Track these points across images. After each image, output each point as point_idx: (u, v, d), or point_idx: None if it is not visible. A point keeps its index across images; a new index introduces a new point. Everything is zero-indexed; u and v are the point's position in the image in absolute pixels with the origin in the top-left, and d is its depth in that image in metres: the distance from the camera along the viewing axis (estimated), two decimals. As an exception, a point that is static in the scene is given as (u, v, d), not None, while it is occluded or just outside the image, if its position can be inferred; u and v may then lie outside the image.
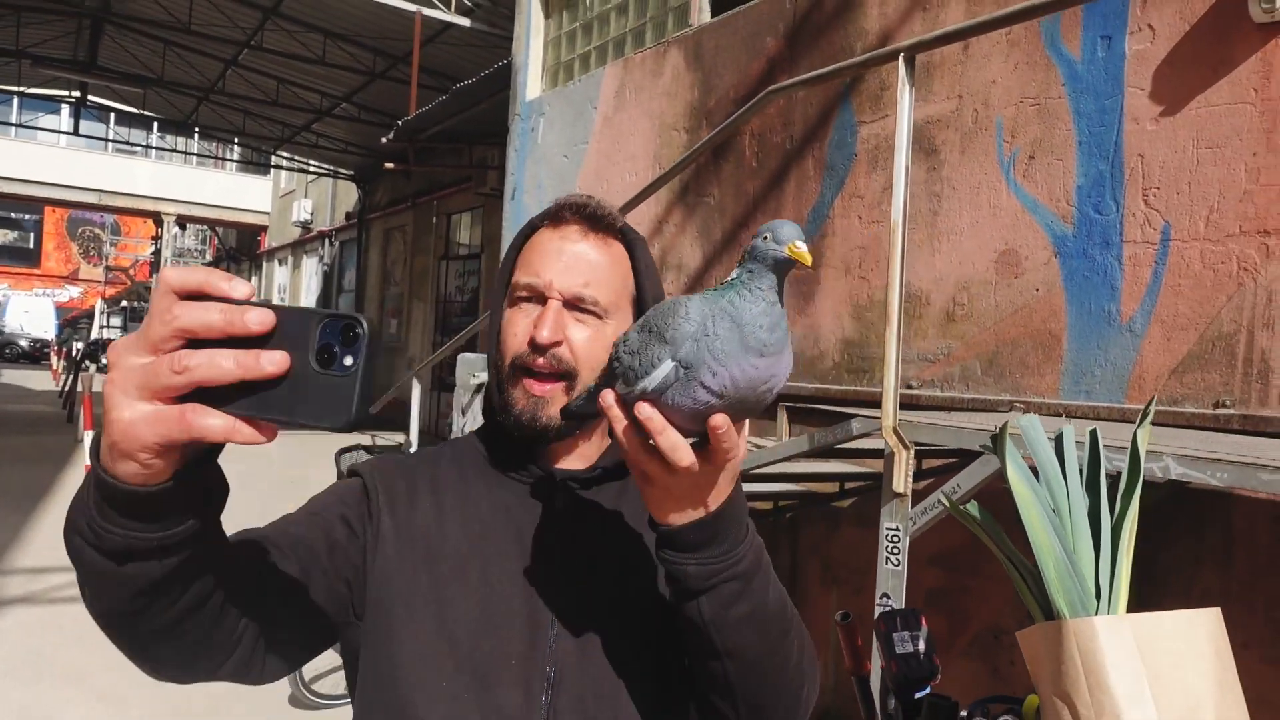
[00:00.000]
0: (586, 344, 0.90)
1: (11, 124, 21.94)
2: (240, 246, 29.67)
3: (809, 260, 0.67)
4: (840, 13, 3.74)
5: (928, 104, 3.33)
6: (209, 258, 32.14)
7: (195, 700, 3.83)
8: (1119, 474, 1.12)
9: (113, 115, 22.42)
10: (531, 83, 6.13)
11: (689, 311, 0.67)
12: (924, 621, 1.47)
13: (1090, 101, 2.81)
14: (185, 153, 25.26)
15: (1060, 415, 2.76)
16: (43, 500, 7.52)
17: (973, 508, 1.23)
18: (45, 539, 6.27)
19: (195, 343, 0.54)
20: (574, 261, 0.92)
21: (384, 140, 10.01)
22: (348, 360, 0.53)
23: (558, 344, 0.89)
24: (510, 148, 6.24)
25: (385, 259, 16.56)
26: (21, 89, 16.09)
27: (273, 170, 22.94)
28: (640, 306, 0.97)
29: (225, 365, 0.53)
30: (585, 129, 5.40)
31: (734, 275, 0.69)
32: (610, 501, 0.95)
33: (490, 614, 0.87)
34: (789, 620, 0.85)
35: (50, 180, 23.57)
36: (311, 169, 18.57)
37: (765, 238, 0.68)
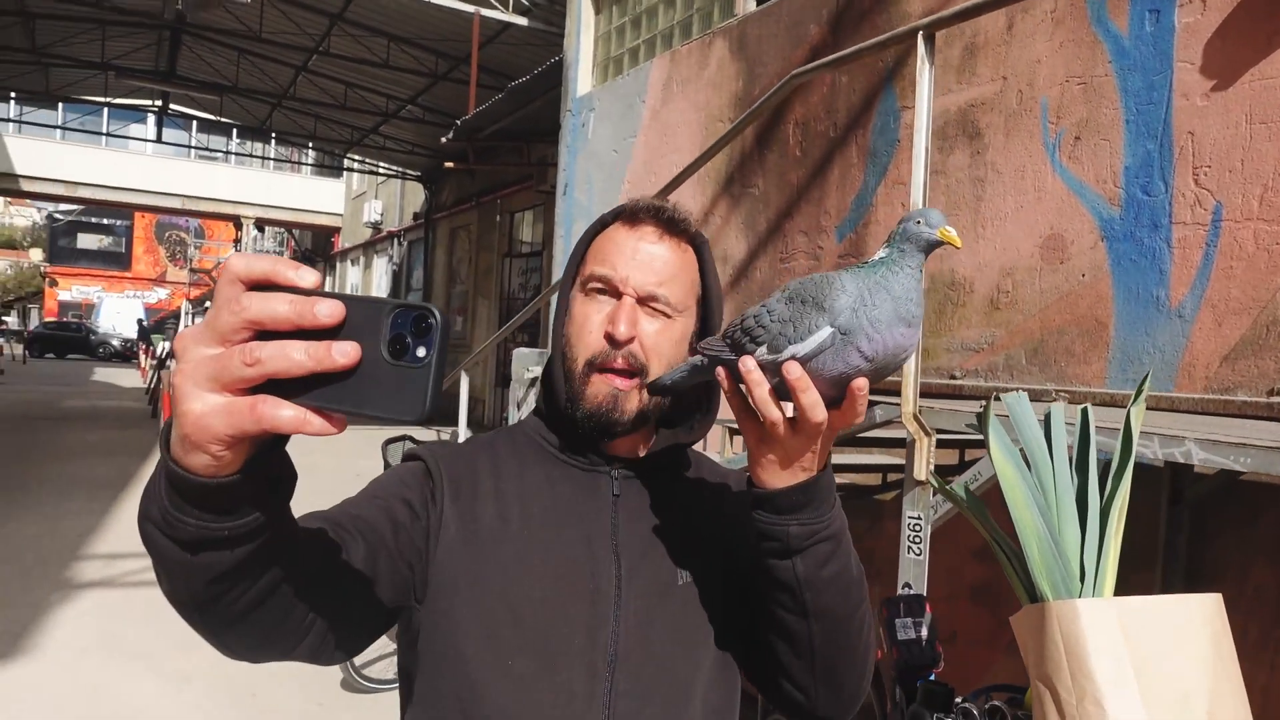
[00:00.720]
0: (656, 339, 0.93)
1: (102, 133, 23.02)
2: (315, 248, 30.56)
3: (959, 243, 0.77)
4: (883, -3, 3.67)
5: (971, 87, 3.24)
6: (286, 258, 33.14)
7: (254, 680, 3.97)
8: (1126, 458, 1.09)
9: (194, 123, 23.32)
10: (582, 78, 6.17)
11: (845, 284, 0.74)
12: (928, 608, 1.44)
13: (1138, 78, 2.71)
14: (262, 158, 26.12)
15: (1108, 404, 2.67)
16: (122, 490, 7.88)
17: (959, 488, 1.20)
18: (122, 527, 6.57)
19: (264, 333, 0.53)
20: (649, 260, 0.94)
21: (443, 140, 10.19)
22: (421, 351, 0.51)
23: (632, 339, 0.92)
24: (562, 144, 6.29)
25: (451, 257, 16.86)
26: (109, 99, 16.85)
27: (344, 173, 23.57)
28: (705, 307, 1.00)
29: (297, 357, 0.51)
30: (634, 123, 5.42)
31: (884, 253, 0.76)
32: (664, 488, 0.98)
33: (553, 596, 0.89)
34: (864, 587, 0.90)
35: (138, 187, 24.63)
36: (380, 171, 19.03)
37: (918, 222, 0.76)
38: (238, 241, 28.90)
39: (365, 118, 15.06)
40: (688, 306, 0.97)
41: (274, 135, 19.94)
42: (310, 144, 19.30)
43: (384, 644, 4.24)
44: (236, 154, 25.64)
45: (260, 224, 28.25)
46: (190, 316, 32.79)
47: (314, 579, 0.75)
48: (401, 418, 0.51)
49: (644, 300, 0.94)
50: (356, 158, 18.87)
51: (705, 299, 1.01)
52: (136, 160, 24.84)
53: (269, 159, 26.56)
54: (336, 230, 26.55)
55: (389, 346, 0.51)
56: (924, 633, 1.39)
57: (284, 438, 0.60)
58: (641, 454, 1.00)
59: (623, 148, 5.53)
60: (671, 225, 0.97)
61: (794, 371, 0.73)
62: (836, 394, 0.76)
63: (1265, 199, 2.39)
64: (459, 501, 0.93)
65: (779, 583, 0.84)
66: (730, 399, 0.82)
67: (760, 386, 0.75)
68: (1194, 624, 1.04)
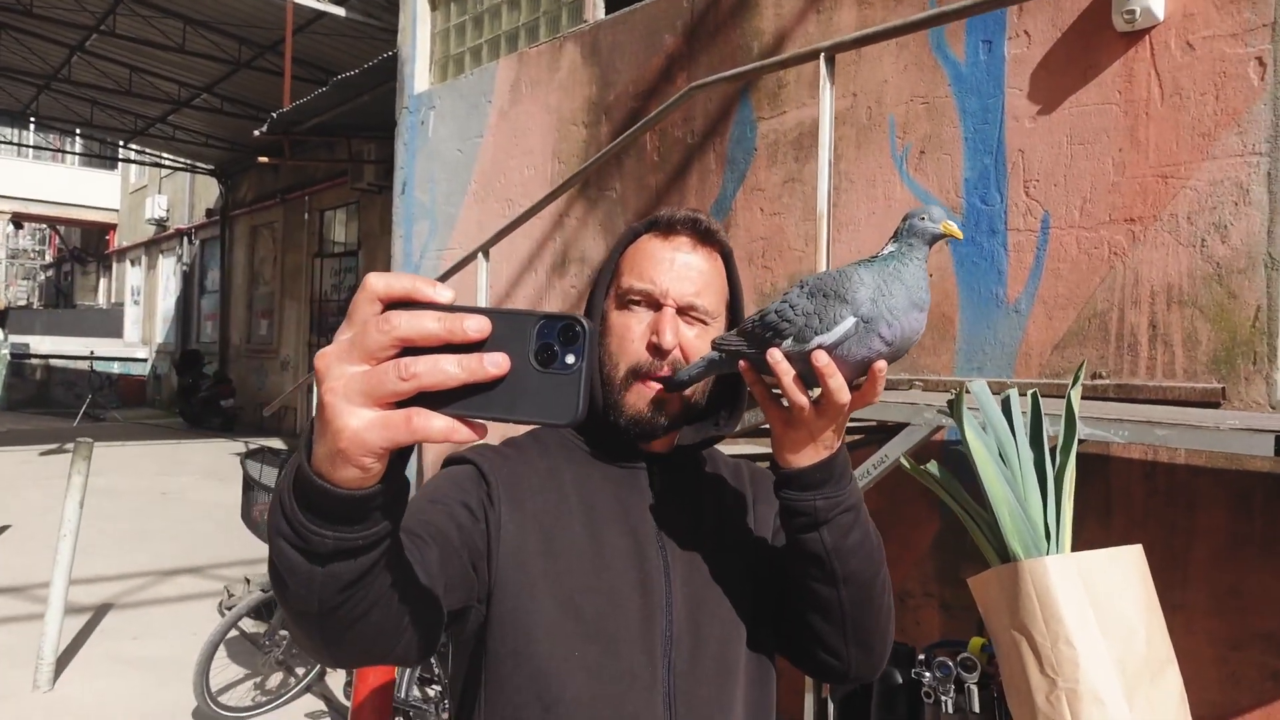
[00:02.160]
0: (695, 345, 0.99)
1: None
2: (86, 246, 27.63)
3: (960, 235, 0.87)
4: (737, 12, 3.88)
5: (824, 101, 3.50)
6: (49, 258, 29.80)
7: (92, 718, 3.62)
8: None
9: (-67, 104, 20.43)
10: (420, 75, 6.04)
11: (864, 278, 0.82)
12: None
13: (974, 101, 3.04)
14: (20, 145, 23.31)
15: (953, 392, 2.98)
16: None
17: (933, 467, 1.36)
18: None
19: (408, 348, 0.54)
20: (686, 271, 1.00)
21: (256, 133, 9.58)
22: (569, 359, 0.54)
23: (675, 347, 0.97)
24: (399, 141, 6.12)
25: (253, 257, 15.83)
26: None
27: (121, 165, 21.49)
28: (734, 312, 1.06)
29: (450, 370, 0.53)
30: (480, 123, 5.37)
31: (893, 248, 0.85)
32: (695, 480, 1.05)
33: (610, 587, 0.94)
34: (882, 551, 0.99)
35: None
36: (166, 163, 17.52)
37: (922, 218, 0.84)
38: (-12, 239, 25.65)
39: (152, 105, 13.83)
40: (720, 313, 1.05)
41: (34, 120, 17.85)
42: (80, 132, 17.45)
43: (239, 670, 4.00)
44: (-14, 140, 22.74)
45: (18, 219, 25.23)
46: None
47: (409, 585, 0.77)
48: (555, 421, 0.54)
49: (683, 310, 1.00)
50: (136, 148, 17.26)
51: (733, 304, 1.09)
52: None
53: (28, 146, 23.75)
54: (111, 227, 24.15)
55: (536, 355, 0.55)
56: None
57: (412, 448, 0.63)
58: (668, 451, 1.06)
59: (468, 147, 5.47)
60: (706, 236, 1.05)
61: (822, 359, 0.80)
62: (858, 377, 0.84)
63: (1084, 209, 2.77)
64: (513, 502, 0.97)
65: (809, 555, 0.93)
66: (754, 389, 0.90)
67: (788, 375, 0.83)
68: (1131, 571, 1.24)
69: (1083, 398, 2.70)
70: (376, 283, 0.56)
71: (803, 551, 0.93)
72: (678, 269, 1.01)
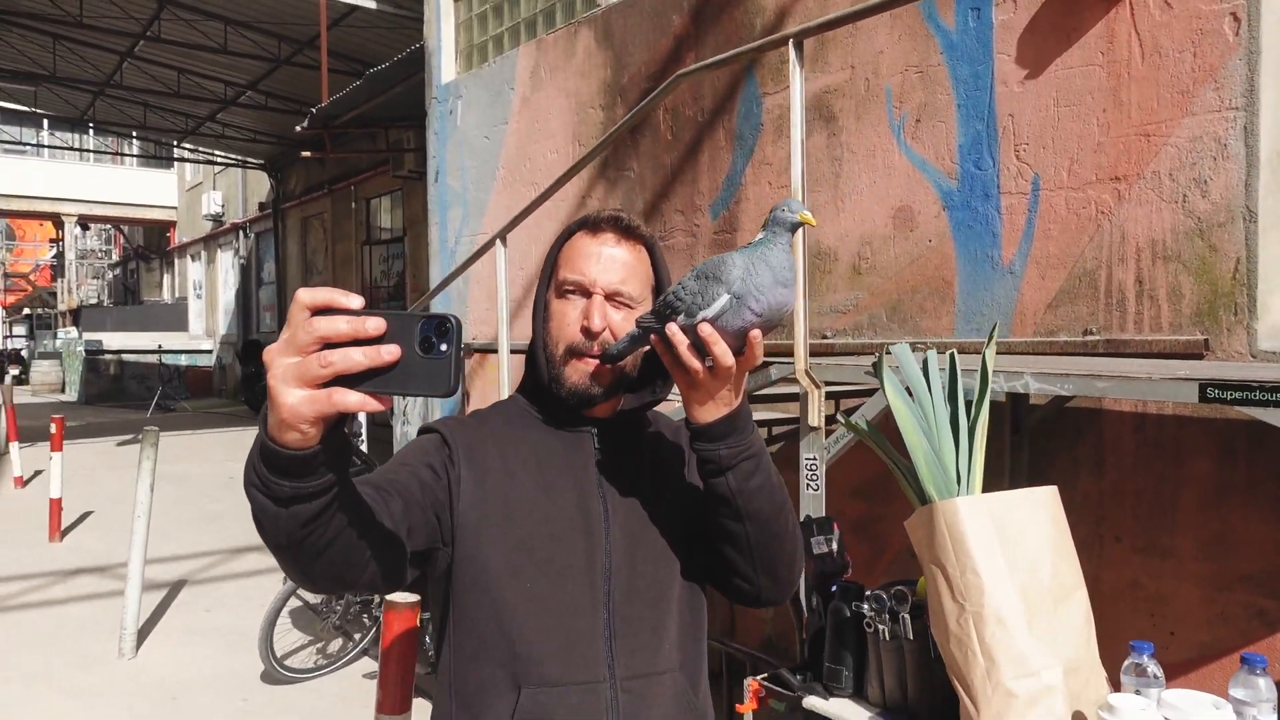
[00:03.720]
0: (622, 326, 1.16)
1: (-113, 129, 20.72)
2: (149, 244, 28.66)
3: (814, 222, 1.03)
4: (740, -9, 3.97)
5: (825, 75, 3.60)
6: (115, 257, 30.94)
7: (173, 686, 3.96)
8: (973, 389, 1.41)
9: (-1, 115, 21.36)
10: (446, 66, 6.23)
11: (735, 261, 0.97)
12: (836, 527, 1.76)
13: (965, 68, 3.12)
14: (82, 150, 24.22)
15: (961, 353, 3.10)
16: (-23, 515, 7.39)
17: (861, 422, 1.51)
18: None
19: (329, 343, 0.75)
20: (611, 263, 1.17)
21: (298, 129, 9.90)
22: (443, 347, 0.74)
23: (604, 329, 1.15)
24: (430, 130, 6.34)
25: (305, 248, 16.32)
26: (-102, 92, 15.26)
27: (177, 164, 22.21)
28: (660, 295, 1.23)
29: (357, 358, 0.74)
30: (504, 110, 5.55)
31: (762, 235, 0.99)
32: (632, 441, 1.23)
33: (556, 531, 1.13)
34: (785, 494, 1.15)
35: (-65, 186, 22.41)
36: (218, 160, 18.09)
37: (783, 210, 0.99)
38: (57, 241, 26.76)
39: (201, 105, 14.31)
40: (645, 297, 1.21)
41: (93, 126, 18.56)
42: (136, 134, 18.09)
43: (302, 636, 4.31)
44: (50, 146, 23.68)
45: (84, 221, 26.27)
46: (9, 325, 30.11)
47: (369, 525, 0.97)
48: (436, 394, 0.74)
49: (610, 296, 1.17)
50: (190, 147, 17.85)
51: (659, 289, 1.25)
52: (-69, 157, 22.58)
53: (89, 151, 24.65)
54: (171, 225, 25.01)
55: (420, 345, 0.74)
56: (834, 547, 1.71)
57: (345, 418, 0.83)
58: (611, 415, 1.23)
59: (494, 134, 5.66)
60: (627, 231, 1.21)
61: (705, 330, 0.96)
62: (739, 344, 0.99)
63: (1072, 170, 2.84)
64: (472, 462, 1.16)
65: (719, 496, 1.10)
66: (664, 358, 1.04)
67: (682, 345, 0.98)
68: (1038, 509, 1.39)
69: (1075, 353, 2.80)
70: (304, 295, 0.76)
71: (714, 494, 1.10)
72: (604, 261, 1.17)
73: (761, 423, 3.66)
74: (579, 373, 1.16)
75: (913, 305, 3.29)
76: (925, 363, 1.42)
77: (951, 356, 1.44)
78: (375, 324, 0.74)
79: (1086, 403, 2.79)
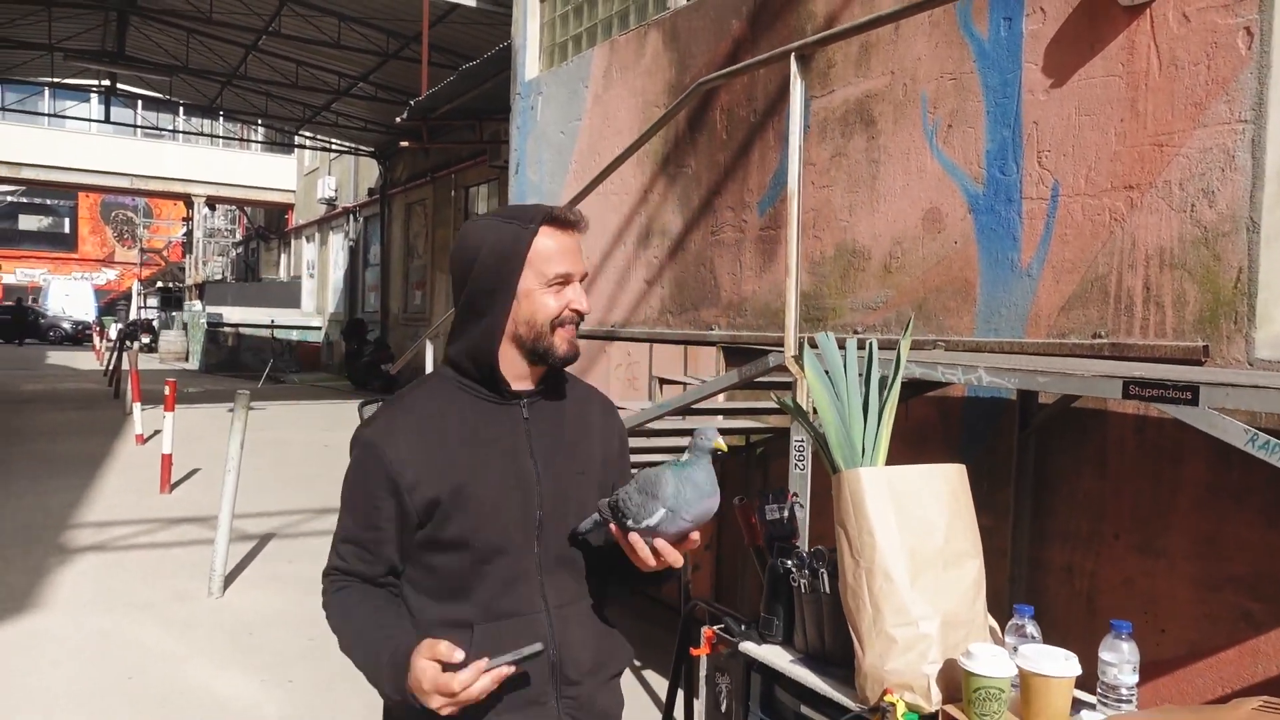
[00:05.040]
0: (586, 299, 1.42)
1: (44, 114, 22.63)
2: (269, 225, 30.36)
3: (726, 448, 1.32)
4: (795, -4, 4.13)
5: (867, 80, 3.73)
6: (239, 236, 32.87)
7: (249, 622, 4.41)
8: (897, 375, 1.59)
9: (140, 101, 23.05)
10: (530, 63, 6.55)
11: (668, 481, 1.28)
12: (790, 498, 1.95)
13: (996, 76, 3.21)
14: (211, 135, 25.87)
15: (974, 349, 3.21)
16: (101, 466, 8.19)
17: (788, 399, 1.71)
18: (107, 498, 6.92)
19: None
20: (577, 253, 1.40)
21: (398, 120, 10.46)
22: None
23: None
24: (513, 125, 6.68)
25: (408, 232, 17.09)
26: (54, 80, 16.71)
27: (296, 150, 23.49)
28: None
29: (475, 694, 1.21)
30: (579, 107, 5.83)
31: (687, 457, 1.30)
32: (555, 408, 1.45)
33: (497, 490, 1.34)
34: None
35: (82, 166, 24.31)
36: (334, 147, 19.10)
37: (703, 438, 1.30)
38: (188, 219, 28.66)
39: (317, 95, 15.18)
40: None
41: (223, 113, 19.85)
42: (260, 121, 19.28)
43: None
44: (184, 132, 25.38)
45: (211, 202, 28.02)
46: (142, 297, 32.41)
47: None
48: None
49: (580, 279, 1.42)
50: (308, 134, 18.91)
51: None
52: (81, 139, 24.49)
53: (218, 136, 26.32)
54: (290, 207, 26.46)
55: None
56: (785, 514, 1.90)
57: None
58: (535, 387, 1.44)
59: (569, 130, 5.95)
60: (582, 225, 1.44)
61: (660, 544, 1.29)
62: (680, 539, 1.31)
63: (1089, 178, 2.92)
64: (415, 463, 1.34)
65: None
66: (620, 542, 1.32)
67: (642, 550, 1.30)
68: (937, 482, 1.56)
69: (1083, 355, 2.89)
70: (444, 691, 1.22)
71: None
72: (576, 254, 1.41)
73: (739, 431, 3.94)
74: (566, 341, 1.38)
75: (937, 304, 3.41)
76: (845, 349, 1.61)
77: (870, 346, 1.62)
78: (481, 687, 1.22)
79: (1093, 403, 2.87)
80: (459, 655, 1.20)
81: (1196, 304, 2.64)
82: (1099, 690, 1.46)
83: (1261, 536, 2.50)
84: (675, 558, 1.30)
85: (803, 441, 2.40)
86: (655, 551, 1.29)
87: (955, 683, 1.45)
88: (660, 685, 3.75)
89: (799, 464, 2.40)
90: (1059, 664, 1.36)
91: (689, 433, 4.26)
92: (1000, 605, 1.67)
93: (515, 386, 1.41)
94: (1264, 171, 2.50)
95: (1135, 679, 1.44)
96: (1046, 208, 3.04)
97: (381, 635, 1.31)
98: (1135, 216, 2.79)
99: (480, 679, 1.20)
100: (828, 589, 1.63)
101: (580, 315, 1.40)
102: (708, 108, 4.69)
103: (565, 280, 1.38)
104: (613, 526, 1.32)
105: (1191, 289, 2.65)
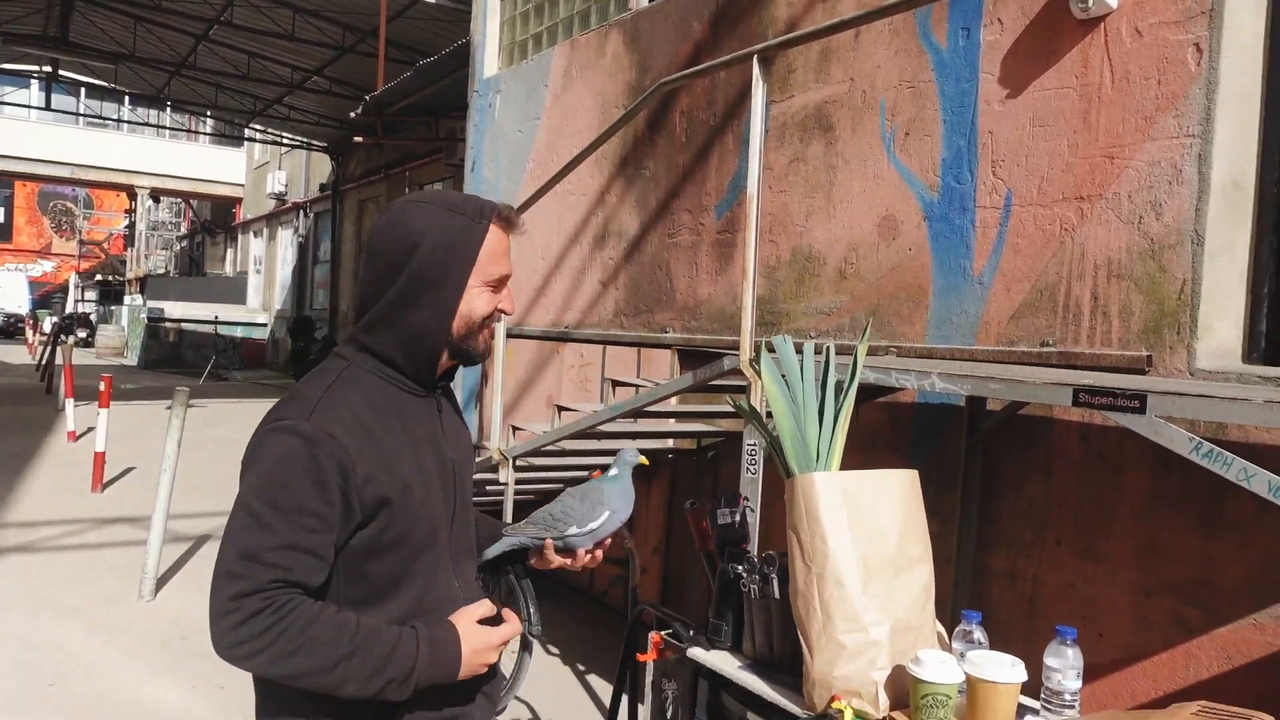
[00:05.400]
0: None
1: (-19, 98, 21.82)
2: (215, 219, 29.66)
3: (647, 463, 1.51)
4: (757, 1, 4.13)
5: (827, 86, 3.74)
6: (183, 230, 32.08)
7: (181, 626, 4.26)
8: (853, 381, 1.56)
9: (83, 89, 22.37)
10: (489, 60, 6.48)
11: (608, 490, 1.48)
12: (741, 501, 1.92)
13: (953, 85, 3.23)
14: (158, 126, 25.21)
15: (925, 356, 3.22)
16: (29, 463, 7.88)
17: (744, 402, 1.68)
18: (35, 498, 6.65)
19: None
20: (509, 254, 1.37)
21: (352, 115, 10.29)
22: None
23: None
24: (470, 122, 6.59)
25: (360, 229, 16.82)
26: (-9, 63, 16.13)
27: (246, 143, 23.00)
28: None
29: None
30: (537, 106, 5.77)
31: (616, 471, 1.50)
32: (449, 402, 1.48)
33: (430, 487, 1.33)
34: None
35: (20, 154, 23.53)
36: (285, 141, 18.73)
37: (629, 456, 1.51)
38: (130, 211, 27.89)
39: (269, 88, 14.87)
40: None
41: (171, 104, 19.35)
42: (209, 113, 18.82)
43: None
44: (129, 122, 24.69)
45: (156, 194, 27.31)
46: (80, 290, 31.43)
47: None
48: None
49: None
50: (259, 128, 18.52)
51: None
52: (17, 127, 23.70)
53: (164, 127, 25.65)
54: (237, 201, 25.89)
55: None
56: (736, 518, 1.87)
57: None
58: (441, 379, 1.43)
59: (527, 129, 5.88)
60: (522, 229, 1.40)
61: (599, 544, 1.48)
62: (610, 540, 1.49)
63: (1041, 188, 2.95)
64: (364, 459, 1.26)
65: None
66: (547, 553, 1.47)
67: (577, 555, 1.47)
68: (891, 487, 1.54)
69: (1031, 363, 2.91)
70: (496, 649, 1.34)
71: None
72: (509, 254, 1.38)
73: (691, 434, 3.95)
74: (487, 340, 1.39)
75: (890, 310, 3.42)
76: (803, 353, 1.58)
77: (827, 351, 1.60)
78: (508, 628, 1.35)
79: (1039, 411, 2.89)
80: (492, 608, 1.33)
81: (1142, 314, 2.67)
82: (1043, 695, 1.46)
83: (1197, 544, 2.53)
84: (599, 555, 1.49)
85: (755, 445, 2.38)
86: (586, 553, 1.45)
87: (903, 689, 1.43)
88: (605, 690, 3.70)
89: (751, 468, 2.38)
90: (1006, 670, 1.35)
91: (640, 436, 4.24)
92: (945, 611, 1.66)
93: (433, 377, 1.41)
94: (1209, 186, 2.55)
95: (1079, 684, 1.44)
96: (999, 217, 3.07)
97: (394, 633, 1.24)
98: (1085, 227, 2.82)
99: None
100: (778, 594, 1.60)
101: (505, 313, 1.40)
102: (668, 110, 4.67)
103: (503, 281, 1.37)
104: (549, 540, 1.46)
105: (1137, 299, 2.68)
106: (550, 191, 5.40)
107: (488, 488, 4.08)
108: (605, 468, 1.53)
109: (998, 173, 3.08)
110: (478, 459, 3.97)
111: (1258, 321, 2.59)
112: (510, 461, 3.90)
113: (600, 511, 1.46)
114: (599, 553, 1.49)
